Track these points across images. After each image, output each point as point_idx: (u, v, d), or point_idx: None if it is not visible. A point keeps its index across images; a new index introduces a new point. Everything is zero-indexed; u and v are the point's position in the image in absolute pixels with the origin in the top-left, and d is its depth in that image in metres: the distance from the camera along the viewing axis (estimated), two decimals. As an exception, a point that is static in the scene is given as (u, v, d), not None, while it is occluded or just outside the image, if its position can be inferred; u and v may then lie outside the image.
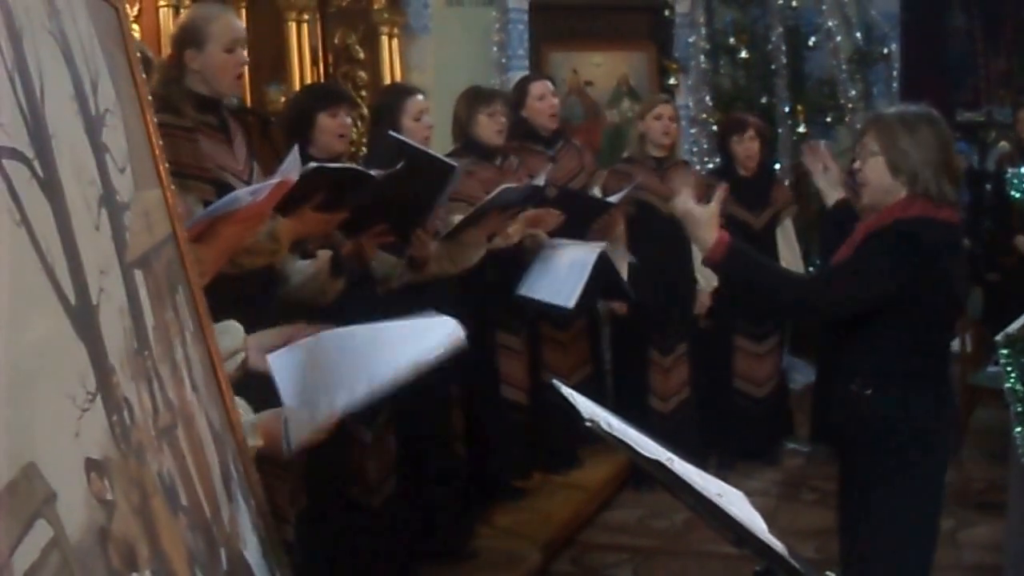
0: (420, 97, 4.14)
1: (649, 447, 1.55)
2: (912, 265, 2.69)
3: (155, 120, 1.37)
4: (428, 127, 4.11)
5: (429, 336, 1.78)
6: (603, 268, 4.54)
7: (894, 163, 2.75)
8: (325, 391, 1.65)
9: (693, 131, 7.40)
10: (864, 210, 2.96)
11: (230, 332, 1.63)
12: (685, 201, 2.84)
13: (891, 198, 2.78)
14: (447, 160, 3.53)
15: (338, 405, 1.65)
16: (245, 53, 3.18)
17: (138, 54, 1.42)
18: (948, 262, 2.75)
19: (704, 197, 3.09)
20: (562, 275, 4.52)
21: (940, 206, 2.75)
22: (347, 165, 3.47)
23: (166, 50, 4.41)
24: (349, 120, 3.76)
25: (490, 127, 4.60)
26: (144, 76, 1.42)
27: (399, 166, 3.25)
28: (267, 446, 1.52)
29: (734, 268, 2.84)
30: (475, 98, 4.66)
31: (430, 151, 3.59)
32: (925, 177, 2.72)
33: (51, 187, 0.88)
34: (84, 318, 0.90)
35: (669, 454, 1.57)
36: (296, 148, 2.69)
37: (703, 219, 2.80)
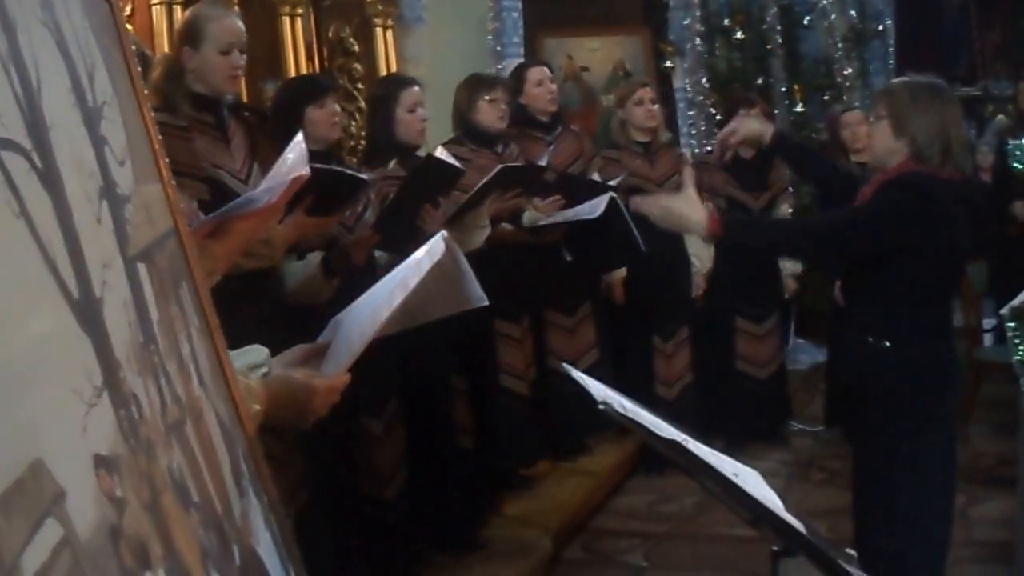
0: (416, 89, 4.13)
1: (664, 428, 1.54)
2: (921, 212, 2.78)
3: (153, 116, 1.35)
4: (423, 119, 4.10)
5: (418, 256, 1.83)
6: (614, 214, 4.51)
7: (898, 126, 2.86)
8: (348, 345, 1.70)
9: (691, 113, 7.40)
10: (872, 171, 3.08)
11: (254, 351, 1.64)
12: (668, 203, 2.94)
13: (894, 159, 2.89)
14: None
15: (363, 337, 1.67)
16: (243, 57, 3.16)
17: (133, 47, 1.41)
18: (953, 211, 2.85)
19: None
20: (583, 208, 4.56)
21: (942, 168, 2.85)
22: (339, 168, 3.46)
23: (159, 49, 4.40)
24: (337, 107, 3.73)
25: (491, 113, 4.57)
26: (140, 71, 1.40)
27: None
28: (271, 415, 1.50)
29: (738, 235, 2.91)
30: (476, 84, 4.64)
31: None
32: (923, 142, 2.83)
33: (50, 179, 0.87)
34: (88, 312, 0.88)
35: (683, 435, 1.55)
36: (301, 138, 2.66)
37: (686, 206, 2.84)
